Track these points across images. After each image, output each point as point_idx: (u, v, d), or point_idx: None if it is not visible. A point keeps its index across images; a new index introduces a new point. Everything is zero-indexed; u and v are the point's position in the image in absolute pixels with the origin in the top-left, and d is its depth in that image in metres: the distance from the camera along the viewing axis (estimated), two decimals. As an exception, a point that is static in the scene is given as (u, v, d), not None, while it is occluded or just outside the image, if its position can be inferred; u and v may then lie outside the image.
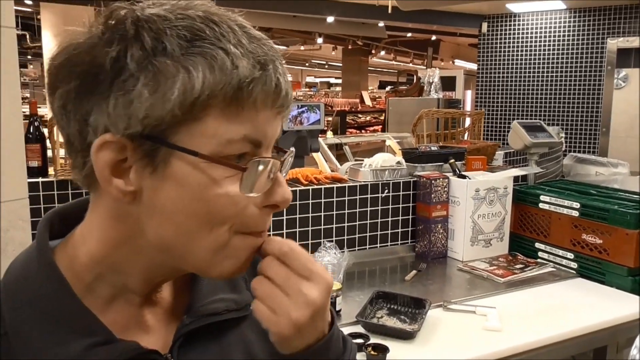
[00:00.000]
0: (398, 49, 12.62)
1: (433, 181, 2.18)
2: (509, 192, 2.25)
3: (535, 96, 6.67)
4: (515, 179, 2.50)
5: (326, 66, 18.36)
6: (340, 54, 13.56)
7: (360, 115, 11.10)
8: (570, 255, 2.08)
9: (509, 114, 6.80)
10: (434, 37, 10.09)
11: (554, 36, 6.49)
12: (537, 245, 2.21)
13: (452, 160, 2.32)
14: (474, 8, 6.62)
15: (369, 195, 2.22)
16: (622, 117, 10.06)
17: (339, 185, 2.17)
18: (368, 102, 11.64)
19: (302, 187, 2.06)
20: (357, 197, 2.20)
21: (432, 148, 2.46)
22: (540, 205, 2.19)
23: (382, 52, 13.81)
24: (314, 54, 15.45)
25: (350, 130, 10.11)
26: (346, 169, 2.40)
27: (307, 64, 17.86)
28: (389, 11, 4.05)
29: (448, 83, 7.09)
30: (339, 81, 17.17)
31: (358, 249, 2.22)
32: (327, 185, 2.12)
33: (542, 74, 6.59)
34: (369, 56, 13.31)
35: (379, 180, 2.25)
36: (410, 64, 13.89)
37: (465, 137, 3.16)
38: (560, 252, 2.12)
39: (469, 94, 7.35)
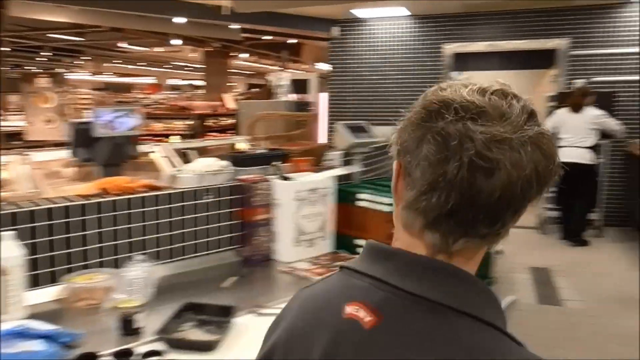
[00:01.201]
0: (260, 51, 12.65)
1: (254, 185, 2.16)
2: (331, 191, 2.30)
3: (382, 98, 7.02)
4: (345, 177, 2.58)
5: (187, 68, 17.91)
6: (203, 57, 13.26)
7: (221, 118, 10.94)
8: (386, 250, 2.17)
9: (360, 116, 7.08)
10: (292, 40, 10.24)
11: (399, 41, 6.89)
12: (358, 241, 2.29)
13: (275, 163, 2.32)
14: (325, 12, 6.81)
15: (192, 202, 2.14)
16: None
17: (160, 193, 2.06)
18: (231, 104, 11.52)
19: (111, 198, 1.92)
20: (181, 204, 2.10)
21: (259, 151, 2.44)
22: (358, 203, 2.27)
23: (246, 55, 13.77)
24: (174, 55, 14.97)
25: (211, 133, 9.92)
26: (170, 176, 2.30)
27: (165, 66, 17.28)
28: (223, 12, 3.99)
29: (301, 86, 7.24)
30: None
31: (181, 259, 2.13)
32: (137, 195, 2.00)
33: (389, 77, 6.97)
34: (229, 58, 13.17)
35: (201, 186, 2.18)
36: (274, 67, 13.99)
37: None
38: (378, 247, 2.20)
39: (325, 97, 7.54)
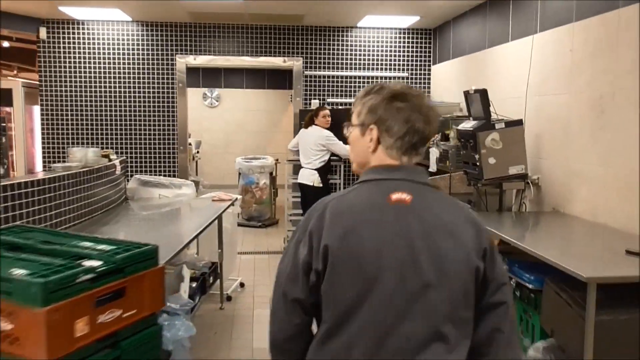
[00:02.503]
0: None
1: None
2: None
3: (105, 113, 5.98)
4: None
5: None
6: None
7: None
8: (-20, 352, 1.36)
9: (77, 134, 5.97)
10: (6, 43, 8.50)
11: (124, 49, 5.95)
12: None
13: None
14: (26, 9, 5.56)
15: None
16: (218, 134, 10.49)
17: None
18: None
19: None
20: None
21: None
22: None
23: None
24: None
25: None
26: None
27: None
28: None
29: (5, 97, 5.85)
30: None
31: None
32: None
33: (114, 90, 5.95)
34: None
35: None
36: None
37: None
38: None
39: (37, 110, 6.21)
